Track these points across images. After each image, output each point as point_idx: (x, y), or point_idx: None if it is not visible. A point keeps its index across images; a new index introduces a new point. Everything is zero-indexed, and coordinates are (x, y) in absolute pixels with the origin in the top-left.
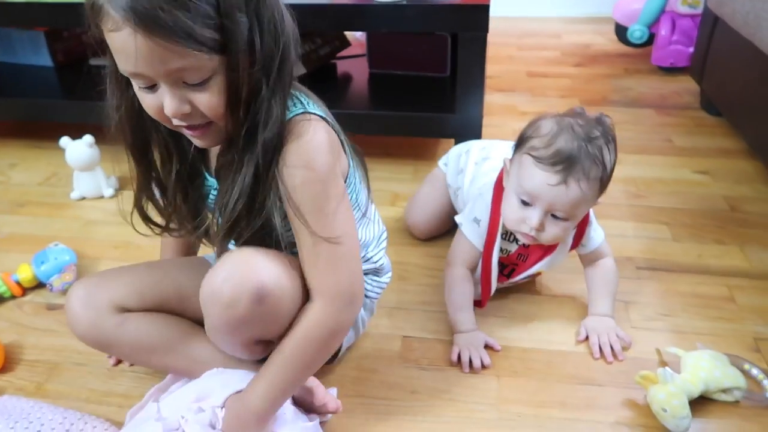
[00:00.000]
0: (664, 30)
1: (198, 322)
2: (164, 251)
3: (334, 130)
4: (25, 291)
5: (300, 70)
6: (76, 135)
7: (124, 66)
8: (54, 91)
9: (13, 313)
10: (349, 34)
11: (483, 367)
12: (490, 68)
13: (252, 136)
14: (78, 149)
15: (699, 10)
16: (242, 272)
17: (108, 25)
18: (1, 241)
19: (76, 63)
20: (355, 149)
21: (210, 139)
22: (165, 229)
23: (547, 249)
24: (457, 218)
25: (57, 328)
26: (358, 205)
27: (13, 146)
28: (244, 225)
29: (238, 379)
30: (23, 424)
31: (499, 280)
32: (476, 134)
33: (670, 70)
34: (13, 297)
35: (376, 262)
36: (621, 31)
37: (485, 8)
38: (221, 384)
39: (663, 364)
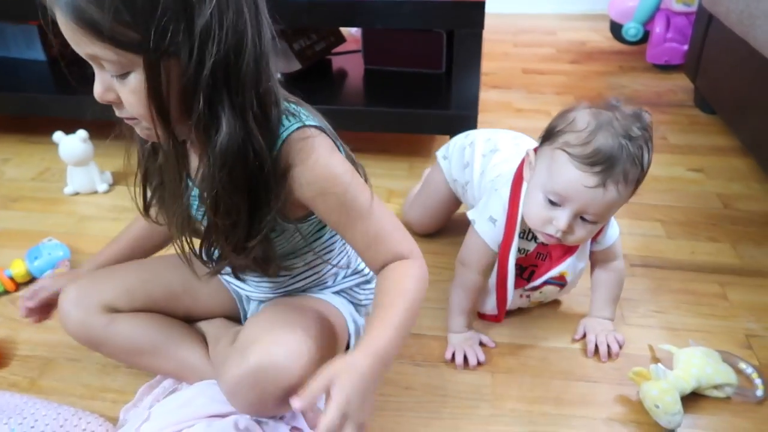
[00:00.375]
0: (658, 28)
1: (189, 319)
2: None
3: (332, 139)
4: (19, 286)
5: (295, 66)
6: (69, 130)
7: None
8: (47, 85)
9: (6, 308)
10: (345, 30)
11: (478, 363)
12: (486, 65)
13: (205, 146)
14: (72, 144)
15: (694, 8)
16: (268, 374)
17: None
18: None
19: (70, 57)
20: (352, 159)
21: (145, 135)
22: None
23: (570, 247)
24: (470, 214)
25: (50, 324)
26: None
27: (5, 141)
28: (230, 239)
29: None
30: (17, 420)
31: (518, 284)
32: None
33: (665, 68)
34: (6, 292)
35: (364, 272)
36: (616, 29)
37: (481, 5)
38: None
39: (655, 360)
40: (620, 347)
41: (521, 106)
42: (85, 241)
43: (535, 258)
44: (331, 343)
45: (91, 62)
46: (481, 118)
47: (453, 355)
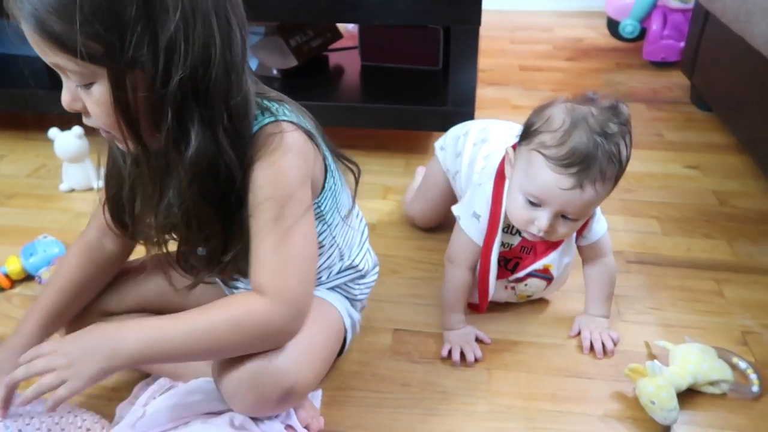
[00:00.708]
0: (655, 25)
1: None
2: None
3: (310, 135)
4: (14, 283)
5: (291, 62)
6: (65, 126)
7: None
8: (43, 81)
9: (1, 305)
10: (341, 26)
11: (475, 360)
12: (482, 61)
13: (170, 157)
14: (67, 140)
15: (690, 5)
16: (266, 377)
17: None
18: None
19: None
20: (340, 155)
21: (121, 145)
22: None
23: (554, 242)
24: (455, 210)
25: None
26: (337, 207)
27: (1, 138)
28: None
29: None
30: (13, 418)
31: (502, 275)
32: None
33: (662, 65)
34: (1, 289)
35: (359, 267)
36: (613, 26)
37: (477, 2)
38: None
39: (652, 357)
40: (615, 344)
41: (518, 102)
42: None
43: (519, 251)
44: (328, 340)
45: (57, 71)
46: (477, 114)
47: (449, 352)
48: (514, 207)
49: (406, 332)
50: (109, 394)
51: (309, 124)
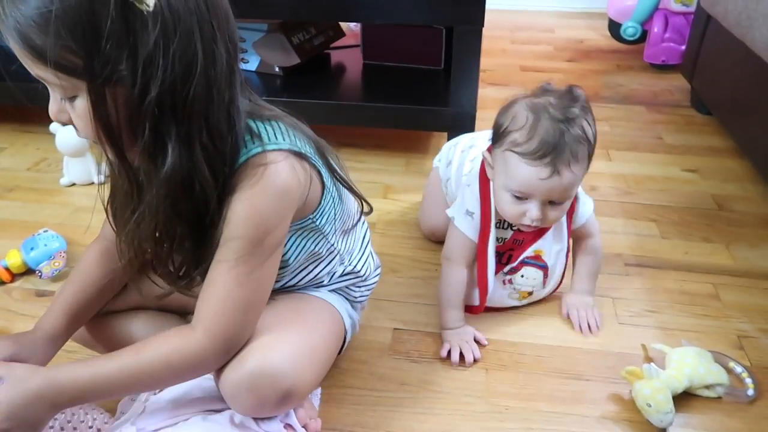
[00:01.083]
0: (656, 27)
1: (184, 313)
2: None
3: (303, 156)
4: (14, 277)
5: (293, 60)
6: None
7: None
8: None
9: (1, 299)
10: (344, 25)
11: (473, 360)
12: (484, 61)
13: (146, 171)
14: (68, 135)
15: (692, 9)
16: (265, 378)
17: None
18: None
19: None
20: (342, 180)
21: (109, 156)
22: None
23: (541, 229)
24: (449, 212)
25: None
26: (335, 220)
27: (1, 130)
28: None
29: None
30: None
31: (497, 269)
32: (470, 128)
33: (662, 68)
34: (2, 283)
35: (360, 273)
36: (614, 28)
37: (481, 2)
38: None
39: (648, 359)
40: (598, 324)
41: None
42: (81, 232)
43: (512, 244)
44: (328, 342)
45: (43, 82)
46: (478, 114)
47: (449, 352)
48: (504, 204)
49: (405, 331)
50: None
51: (306, 143)
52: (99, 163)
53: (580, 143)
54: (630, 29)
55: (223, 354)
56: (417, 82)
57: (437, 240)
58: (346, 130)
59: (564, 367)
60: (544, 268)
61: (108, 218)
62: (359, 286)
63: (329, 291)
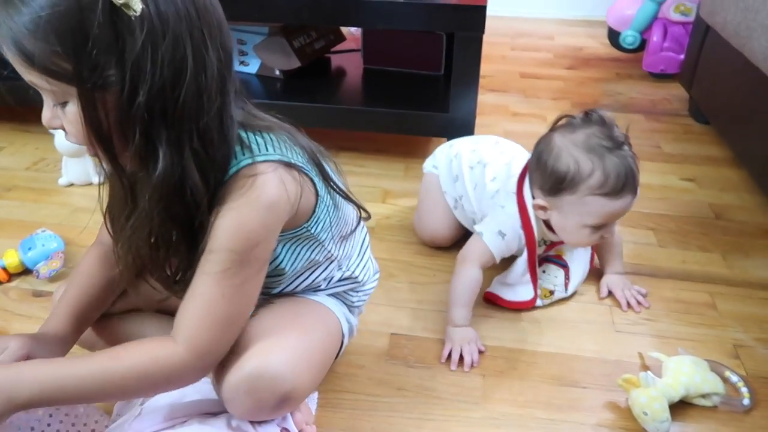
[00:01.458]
0: (656, 36)
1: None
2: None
3: (295, 167)
4: (11, 277)
5: (294, 63)
6: None
7: None
8: None
9: None
10: (344, 29)
11: (471, 365)
12: (483, 67)
13: (139, 176)
14: None
15: (691, 18)
16: (263, 382)
17: None
18: None
19: None
20: (339, 190)
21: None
22: None
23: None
24: (477, 228)
25: (43, 315)
26: (330, 227)
27: (0, 130)
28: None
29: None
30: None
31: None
32: (469, 134)
33: (661, 77)
34: None
35: (358, 278)
36: (613, 36)
37: (482, 9)
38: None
39: (645, 368)
40: (643, 301)
41: (518, 109)
42: (79, 232)
43: (543, 253)
44: (325, 346)
45: (36, 88)
46: (477, 121)
47: (450, 353)
48: (582, 238)
49: (402, 336)
50: None
51: (299, 153)
52: (97, 164)
53: (634, 157)
54: (629, 38)
55: (201, 369)
56: (417, 88)
57: (437, 246)
58: (346, 134)
59: (561, 374)
60: (564, 267)
61: (105, 223)
62: (357, 291)
63: (327, 295)
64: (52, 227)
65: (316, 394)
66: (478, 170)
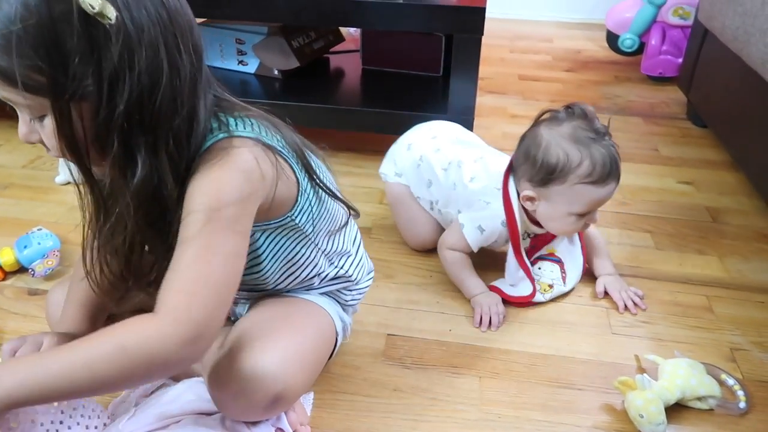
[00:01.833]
0: (654, 40)
1: None
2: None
3: (273, 151)
4: (7, 275)
5: (293, 63)
6: None
7: None
8: None
9: None
10: (344, 30)
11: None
12: (482, 69)
13: (115, 185)
14: None
15: (689, 22)
16: (256, 383)
17: None
18: None
19: None
20: (323, 185)
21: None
22: None
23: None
24: (461, 218)
25: (38, 314)
26: (312, 221)
27: None
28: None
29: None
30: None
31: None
32: None
33: (659, 80)
34: None
35: (351, 277)
36: (612, 39)
37: (481, 11)
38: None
39: (641, 370)
40: (640, 303)
41: (516, 112)
42: (75, 231)
43: (530, 248)
44: (318, 345)
45: (11, 105)
46: (476, 122)
47: (481, 319)
48: (567, 227)
49: (398, 337)
50: None
51: (278, 139)
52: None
53: (616, 147)
54: (628, 41)
55: (189, 342)
56: (415, 89)
57: (429, 249)
58: (344, 134)
59: (557, 376)
60: (558, 262)
61: (83, 233)
62: (351, 290)
63: (320, 294)
64: (49, 225)
65: (311, 395)
66: (453, 171)
